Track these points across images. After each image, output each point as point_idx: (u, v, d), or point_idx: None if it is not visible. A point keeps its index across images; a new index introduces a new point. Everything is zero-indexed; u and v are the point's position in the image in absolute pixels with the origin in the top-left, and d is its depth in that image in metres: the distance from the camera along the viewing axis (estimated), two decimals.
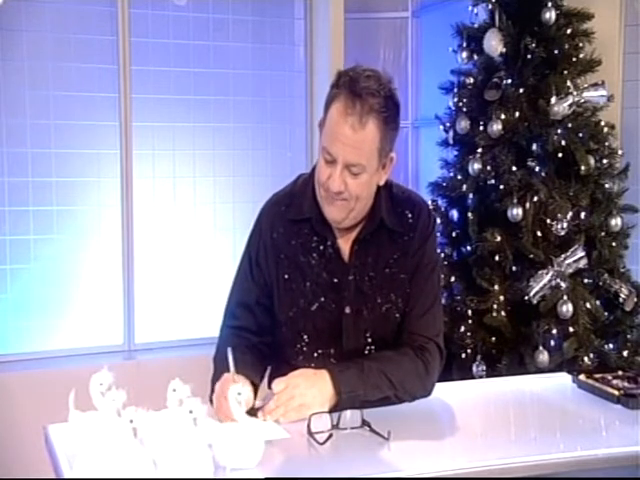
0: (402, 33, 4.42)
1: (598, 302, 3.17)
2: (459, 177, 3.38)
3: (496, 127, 3.20)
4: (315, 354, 1.93)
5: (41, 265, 3.62)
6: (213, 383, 1.82)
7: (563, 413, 1.89)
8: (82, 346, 3.68)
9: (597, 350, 3.10)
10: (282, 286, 1.93)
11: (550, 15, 3.18)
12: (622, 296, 3.22)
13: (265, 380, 2.01)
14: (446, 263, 3.39)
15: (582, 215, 3.18)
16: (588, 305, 3.10)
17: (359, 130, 1.76)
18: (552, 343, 3.06)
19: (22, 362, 3.57)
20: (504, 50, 3.25)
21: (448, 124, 3.47)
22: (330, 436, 1.63)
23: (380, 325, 1.93)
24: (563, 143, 3.14)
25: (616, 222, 3.24)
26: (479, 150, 3.28)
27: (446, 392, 1.96)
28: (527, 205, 3.15)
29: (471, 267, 3.27)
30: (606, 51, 3.38)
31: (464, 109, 3.38)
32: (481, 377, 3.12)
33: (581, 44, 3.27)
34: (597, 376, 2.00)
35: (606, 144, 3.28)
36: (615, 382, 1.96)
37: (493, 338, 3.20)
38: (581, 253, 3.10)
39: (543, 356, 3.02)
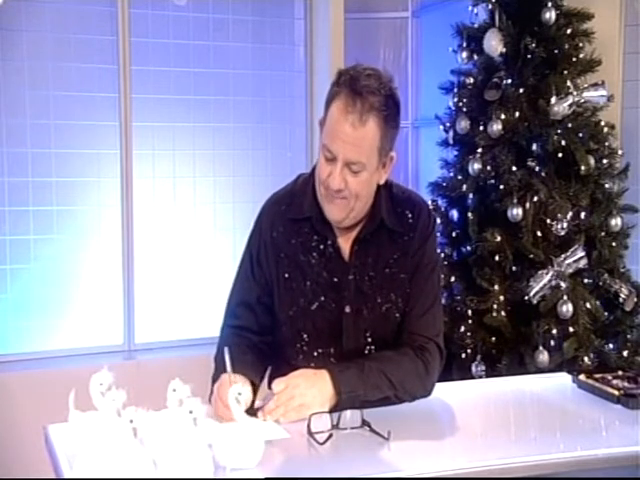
0: (402, 33, 4.42)
1: (598, 302, 3.17)
2: (459, 177, 3.38)
3: (496, 127, 3.20)
4: (315, 353, 1.93)
5: (41, 265, 3.62)
6: (213, 382, 1.83)
7: (563, 413, 1.89)
8: (82, 346, 3.68)
9: (597, 350, 3.10)
10: (282, 285, 1.93)
11: (550, 15, 3.18)
12: (622, 296, 3.22)
13: (265, 380, 2.01)
14: (446, 263, 3.39)
15: (582, 215, 3.18)
16: (588, 305, 3.10)
17: (359, 128, 1.77)
18: (552, 343, 3.06)
19: (22, 362, 3.57)
20: (504, 50, 3.25)
21: (448, 124, 3.47)
22: (330, 436, 1.63)
23: (380, 325, 1.94)
24: (563, 143, 3.14)
25: (616, 222, 3.24)
26: (479, 150, 3.28)
27: (446, 392, 1.96)
28: (527, 205, 3.15)
29: (471, 267, 3.27)
30: (606, 51, 3.38)
31: (464, 109, 3.38)
32: (481, 377, 3.12)
33: (581, 44, 3.27)
34: (597, 376, 2.00)
35: (606, 144, 3.28)
36: (615, 382, 1.96)
37: (493, 338, 3.20)
38: (581, 253, 3.10)
39: (543, 356, 3.02)
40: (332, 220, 1.90)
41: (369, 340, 1.94)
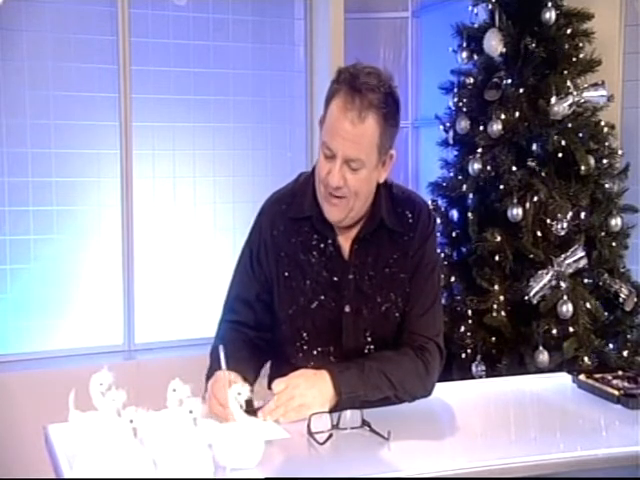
0: (402, 33, 4.42)
1: (598, 302, 3.17)
2: (459, 177, 3.38)
3: (496, 127, 3.20)
4: (315, 352, 1.93)
5: (41, 265, 3.62)
6: (207, 379, 1.82)
7: (563, 413, 1.89)
8: (82, 346, 3.68)
9: (597, 350, 3.09)
10: (282, 284, 1.93)
11: (550, 15, 3.18)
12: (622, 296, 3.22)
13: (264, 379, 2.01)
14: (446, 263, 3.39)
15: (582, 215, 3.18)
16: (588, 305, 3.10)
17: (358, 125, 1.77)
18: (552, 343, 3.06)
19: (22, 362, 3.57)
20: (504, 50, 3.25)
21: (448, 124, 3.47)
22: (330, 436, 1.63)
23: (380, 324, 1.94)
24: (563, 143, 3.14)
25: (616, 222, 3.24)
26: (479, 150, 3.28)
27: (446, 392, 1.96)
28: (527, 205, 3.15)
29: (471, 267, 3.27)
30: (606, 51, 3.38)
31: (464, 109, 3.38)
32: (481, 377, 3.12)
33: (581, 44, 3.27)
34: (597, 376, 2.00)
35: (606, 144, 3.28)
36: (615, 382, 1.96)
37: (493, 338, 3.20)
38: (581, 253, 3.10)
39: (543, 356, 3.02)
40: (331, 220, 1.90)
41: (369, 340, 1.94)
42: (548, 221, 3.14)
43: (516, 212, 3.12)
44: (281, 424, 1.70)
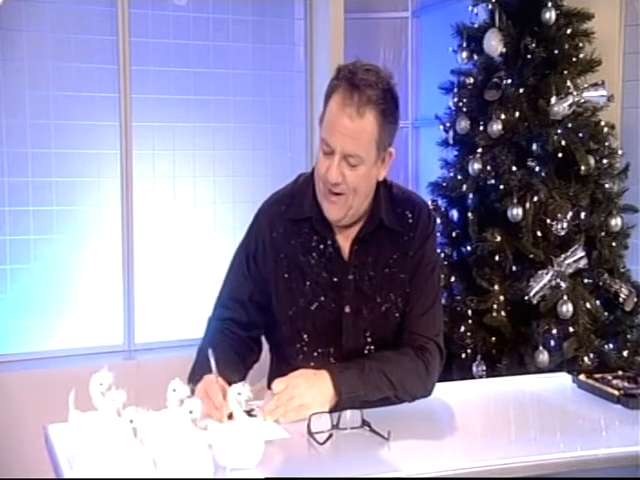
0: (402, 33, 4.42)
1: (598, 302, 3.17)
2: (459, 177, 3.38)
3: (496, 127, 3.20)
4: (315, 353, 1.93)
5: (41, 265, 3.62)
6: (191, 375, 1.81)
7: (563, 413, 1.89)
8: (82, 346, 3.67)
9: (597, 350, 3.10)
10: (282, 285, 1.93)
11: (550, 15, 3.18)
12: (622, 296, 3.22)
13: (264, 380, 2.01)
14: (446, 263, 3.39)
15: (582, 215, 3.18)
16: (588, 305, 3.10)
17: (357, 120, 1.77)
18: (552, 343, 3.06)
19: (22, 362, 3.57)
20: (504, 50, 3.25)
21: (448, 124, 3.47)
22: (330, 436, 1.63)
23: (380, 325, 1.94)
24: (563, 143, 3.14)
25: (616, 222, 3.24)
26: (479, 150, 3.28)
27: (446, 392, 1.96)
28: (527, 205, 3.15)
29: (471, 267, 3.27)
30: (606, 51, 3.38)
31: (464, 109, 3.38)
32: (481, 377, 3.12)
33: (581, 44, 3.27)
34: (597, 376, 2.00)
35: (606, 144, 3.28)
36: (615, 382, 1.96)
37: (493, 338, 3.20)
38: (581, 253, 3.10)
39: (543, 356, 3.02)
40: (331, 219, 1.90)
41: (369, 340, 1.94)
42: (548, 221, 3.14)
43: (516, 212, 3.12)
44: (281, 424, 1.70)
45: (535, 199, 3.15)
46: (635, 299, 3.24)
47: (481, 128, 3.29)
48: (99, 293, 3.73)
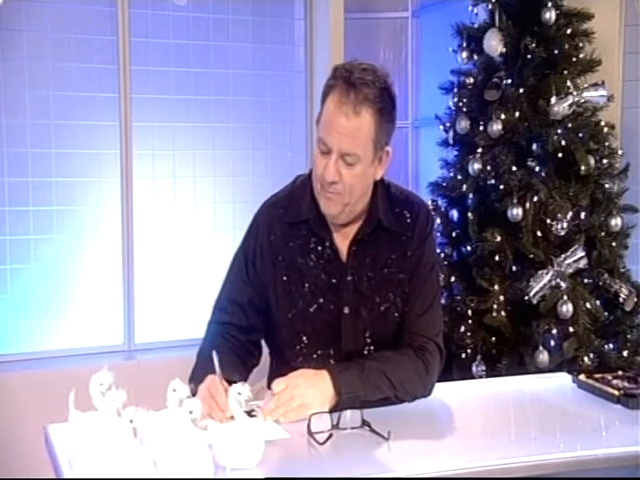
0: (402, 33, 4.42)
1: (598, 302, 3.17)
2: (459, 177, 3.37)
3: (496, 127, 3.20)
4: (314, 355, 1.93)
5: (41, 265, 3.62)
6: (191, 377, 1.81)
7: (563, 413, 1.89)
8: (82, 346, 3.67)
9: (597, 350, 3.09)
10: (280, 288, 1.93)
11: (550, 15, 3.18)
12: (622, 296, 3.22)
13: (264, 380, 2.01)
14: (446, 263, 3.39)
15: (582, 215, 3.17)
16: (588, 305, 3.10)
17: (353, 118, 1.77)
18: (552, 343, 3.06)
19: (22, 362, 3.57)
20: (504, 50, 3.25)
21: (448, 124, 3.46)
22: (330, 436, 1.63)
23: (379, 325, 1.94)
24: (563, 143, 3.14)
25: (616, 222, 3.24)
26: (479, 150, 3.28)
27: (446, 392, 1.96)
28: (527, 205, 3.15)
29: (471, 267, 3.27)
30: (606, 51, 3.38)
31: (464, 109, 3.38)
32: (481, 377, 3.12)
33: (581, 44, 3.27)
34: (597, 376, 2.00)
35: (606, 144, 3.28)
36: (615, 382, 1.96)
37: (493, 338, 3.20)
38: (581, 253, 3.10)
39: (543, 356, 3.02)
40: (328, 215, 1.90)
41: (368, 341, 1.94)
42: (548, 221, 3.14)
43: (516, 212, 3.12)
44: (281, 424, 1.70)
45: (535, 199, 3.15)
46: (635, 299, 3.24)
47: (481, 128, 3.29)
48: (99, 293, 3.73)
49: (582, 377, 2.01)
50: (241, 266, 1.98)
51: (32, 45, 3.56)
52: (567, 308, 3.03)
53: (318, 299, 1.92)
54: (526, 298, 3.09)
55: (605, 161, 3.26)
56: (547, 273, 3.08)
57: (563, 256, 3.09)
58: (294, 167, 3.92)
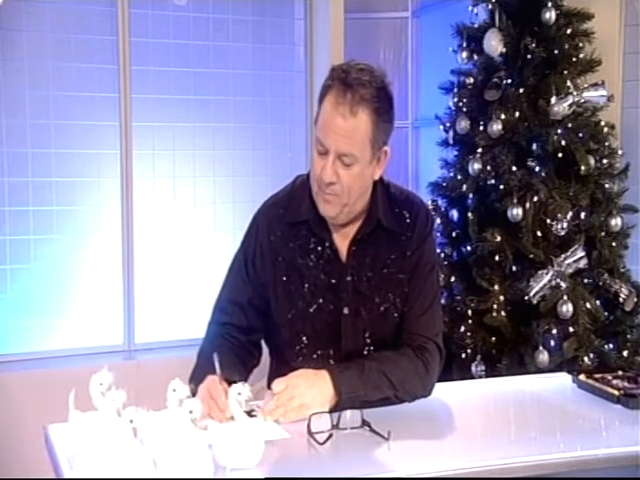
0: (402, 33, 4.42)
1: (598, 302, 3.17)
2: (459, 177, 3.37)
3: (496, 127, 3.20)
4: (314, 355, 1.93)
5: (41, 265, 3.62)
6: (192, 378, 1.82)
7: (563, 413, 1.89)
8: (82, 346, 3.67)
9: (597, 350, 3.09)
10: (280, 288, 1.93)
11: (550, 15, 3.18)
12: (622, 296, 3.22)
13: (264, 380, 2.01)
14: (446, 263, 3.39)
15: (582, 215, 3.18)
16: (588, 305, 3.10)
17: (350, 119, 1.77)
18: (552, 343, 3.06)
19: (22, 362, 3.57)
20: (504, 50, 3.25)
21: (448, 124, 3.47)
22: (330, 436, 1.63)
23: (379, 325, 1.94)
24: (563, 143, 3.14)
25: (616, 222, 3.24)
26: (479, 150, 3.28)
27: (446, 392, 1.96)
28: (527, 205, 3.15)
29: (471, 267, 3.27)
30: (606, 51, 3.38)
31: (464, 109, 3.38)
32: (481, 377, 3.12)
33: (581, 44, 3.27)
34: (597, 376, 2.00)
35: (606, 144, 3.28)
36: (615, 382, 1.96)
37: (493, 338, 3.20)
38: (581, 253, 3.10)
39: (543, 356, 3.02)
40: (326, 216, 1.90)
41: (368, 341, 1.94)
42: (548, 221, 3.14)
43: (516, 212, 3.12)
44: (281, 424, 1.70)
45: (535, 199, 3.15)
46: (635, 299, 3.24)
47: (481, 128, 3.29)
48: (99, 293, 3.73)
49: (582, 377, 2.01)
50: (241, 266, 1.98)
51: (32, 45, 3.56)
52: (567, 308, 3.03)
53: (318, 299, 1.92)
54: (526, 298, 3.09)
55: (605, 161, 3.26)
56: (547, 273, 3.08)
57: (563, 256, 3.09)
58: (294, 167, 3.92)
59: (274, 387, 1.75)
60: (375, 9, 4.38)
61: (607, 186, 3.26)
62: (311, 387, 1.76)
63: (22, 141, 3.57)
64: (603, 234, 3.24)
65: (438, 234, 3.40)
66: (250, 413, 1.68)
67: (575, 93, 3.16)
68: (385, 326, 1.94)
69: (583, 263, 3.11)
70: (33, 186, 3.59)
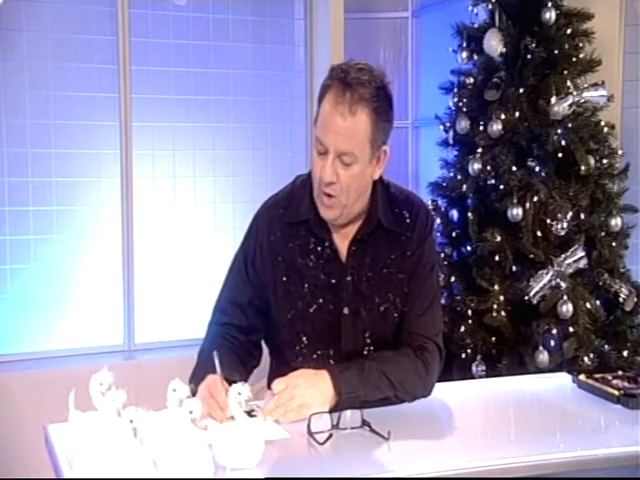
0: (402, 33, 4.42)
1: (598, 302, 3.17)
2: (459, 177, 3.38)
3: (496, 127, 3.20)
4: (314, 355, 1.93)
5: (41, 265, 3.62)
6: (192, 377, 1.82)
7: (563, 413, 1.89)
8: (82, 346, 3.67)
9: (597, 350, 3.10)
10: (280, 288, 1.93)
11: (550, 15, 3.18)
12: (622, 296, 3.22)
13: (264, 380, 2.01)
14: (446, 263, 3.39)
15: (582, 215, 3.18)
16: (588, 305, 3.10)
17: (349, 118, 1.78)
18: (552, 343, 3.06)
19: (22, 362, 3.57)
20: (504, 50, 3.25)
21: (448, 124, 3.47)
22: (330, 436, 1.63)
23: (379, 325, 1.94)
24: (563, 143, 3.14)
25: (616, 222, 3.24)
26: (479, 150, 3.28)
27: (446, 392, 1.96)
28: (527, 205, 3.15)
29: (471, 267, 3.27)
30: (606, 51, 3.38)
31: (464, 109, 3.38)
32: (481, 377, 3.12)
33: (581, 44, 3.27)
34: (597, 376, 2.00)
35: (606, 144, 3.28)
36: (615, 382, 1.96)
37: (493, 338, 3.20)
38: (581, 253, 3.10)
39: (543, 356, 3.02)
40: (327, 219, 1.90)
41: (368, 341, 1.94)
42: (548, 221, 3.14)
43: (516, 212, 3.12)
44: (281, 424, 1.70)
45: (535, 199, 3.15)
46: (635, 299, 3.24)
47: (481, 128, 3.29)
48: (99, 293, 3.73)
49: (582, 377, 2.01)
50: (241, 266, 1.98)
51: (32, 45, 3.56)
52: (567, 308, 3.03)
53: (318, 299, 1.92)
54: (526, 298, 3.09)
55: (605, 161, 3.26)
56: (547, 273, 3.08)
57: (563, 256, 3.09)
58: (294, 167, 3.92)
59: (274, 387, 1.75)
60: (375, 9, 4.38)
61: (607, 186, 3.27)
62: (311, 387, 1.76)
63: (22, 141, 3.57)
64: (603, 234, 3.24)
65: (438, 234, 3.40)
66: (250, 413, 1.68)
67: (575, 93, 3.16)
68: (385, 326, 1.94)
69: (583, 263, 3.11)
70: (33, 186, 3.59)
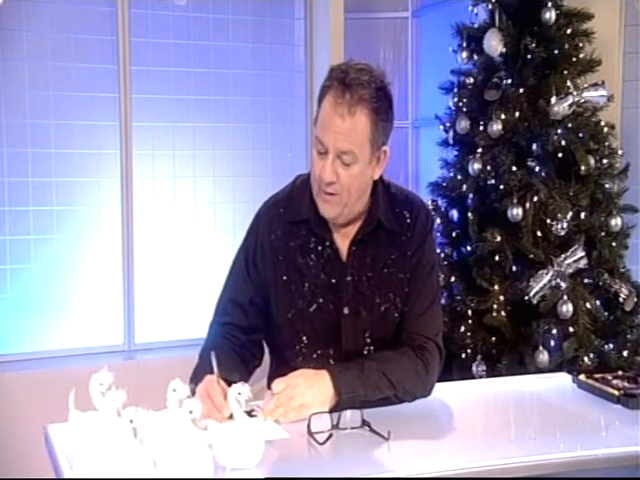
0: (402, 33, 4.42)
1: (598, 302, 3.17)
2: (459, 177, 3.38)
3: (496, 127, 3.20)
4: (314, 355, 1.93)
5: (41, 265, 3.62)
6: (192, 377, 1.82)
7: (563, 413, 1.89)
8: (82, 346, 3.67)
9: (597, 350, 3.10)
10: (280, 288, 1.93)
11: (550, 15, 3.18)
12: (622, 296, 3.22)
13: (264, 380, 2.01)
14: (446, 263, 3.39)
15: (582, 215, 3.18)
16: (588, 305, 3.10)
17: (348, 119, 1.78)
18: (552, 343, 3.06)
19: (22, 362, 3.57)
20: (504, 50, 3.25)
21: (448, 124, 3.47)
22: (330, 436, 1.63)
23: (379, 325, 1.94)
24: (563, 143, 3.14)
25: (616, 222, 3.24)
26: (479, 150, 3.28)
27: (446, 392, 1.96)
28: (527, 205, 3.15)
29: (471, 267, 3.27)
30: (606, 51, 3.38)
31: (464, 109, 3.38)
32: (481, 377, 3.12)
33: (581, 44, 3.27)
34: (597, 376, 2.00)
35: (606, 144, 3.28)
36: (615, 382, 1.96)
37: (493, 338, 3.20)
38: (581, 253, 3.10)
39: (543, 356, 3.02)
40: (327, 217, 1.90)
41: (368, 341, 1.94)
42: (548, 221, 3.14)
43: (516, 212, 3.12)
44: (281, 424, 1.70)
45: (535, 199, 3.15)
46: (635, 299, 3.24)
47: (481, 128, 3.29)
48: (99, 293, 3.73)
49: (582, 377, 2.02)
50: (242, 266, 1.98)
51: (32, 45, 3.56)
52: (567, 308, 3.03)
53: (318, 299, 1.92)
54: (526, 298, 3.09)
55: (605, 161, 3.26)
56: (547, 273, 3.08)
57: (563, 256, 3.09)
58: (294, 167, 3.92)
59: (274, 387, 1.75)
60: (375, 9, 4.38)
61: (607, 186, 3.27)
62: (311, 387, 1.75)
63: (22, 141, 3.57)
64: (603, 234, 3.24)
65: (438, 234, 3.40)
66: (250, 413, 1.68)
67: (575, 93, 3.16)
68: (385, 326, 1.94)
69: (583, 263, 3.11)
70: (33, 186, 3.59)
